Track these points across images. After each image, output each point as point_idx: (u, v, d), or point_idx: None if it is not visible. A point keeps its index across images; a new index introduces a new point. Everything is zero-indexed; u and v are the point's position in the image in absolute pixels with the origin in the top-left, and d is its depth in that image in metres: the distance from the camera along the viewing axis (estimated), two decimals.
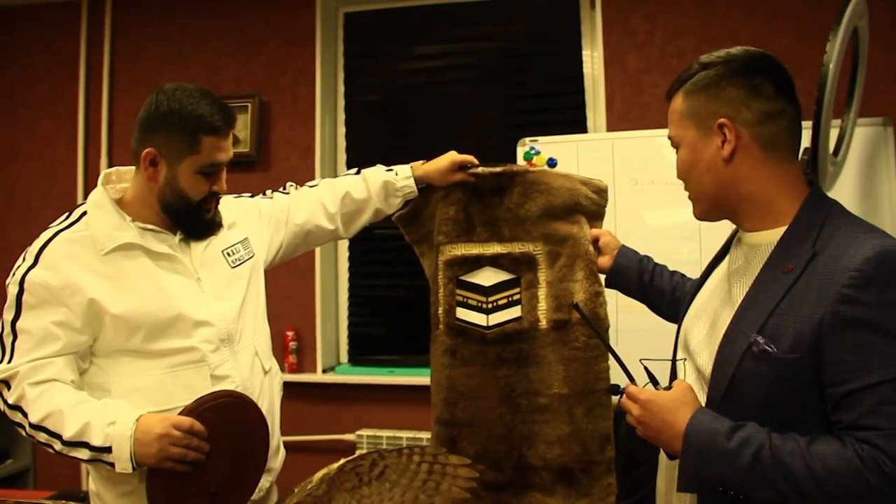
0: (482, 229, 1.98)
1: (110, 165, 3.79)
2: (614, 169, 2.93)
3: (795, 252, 1.27)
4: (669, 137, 1.44)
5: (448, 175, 1.99)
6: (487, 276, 1.98)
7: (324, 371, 3.60)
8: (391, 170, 2.07)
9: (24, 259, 1.66)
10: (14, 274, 1.65)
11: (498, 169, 1.97)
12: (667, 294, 1.85)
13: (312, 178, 3.54)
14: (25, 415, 1.59)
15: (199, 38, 3.78)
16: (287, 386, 3.59)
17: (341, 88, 3.76)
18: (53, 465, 3.84)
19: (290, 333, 3.58)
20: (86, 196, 3.79)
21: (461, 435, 1.96)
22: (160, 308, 1.68)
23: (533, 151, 3.04)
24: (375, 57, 3.75)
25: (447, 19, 3.64)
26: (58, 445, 1.57)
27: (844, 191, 2.60)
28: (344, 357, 3.76)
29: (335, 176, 3.69)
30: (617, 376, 1.51)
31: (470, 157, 1.98)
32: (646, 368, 1.43)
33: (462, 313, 1.98)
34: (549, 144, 3.02)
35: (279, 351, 3.58)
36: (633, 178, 2.91)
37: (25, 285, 1.63)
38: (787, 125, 1.34)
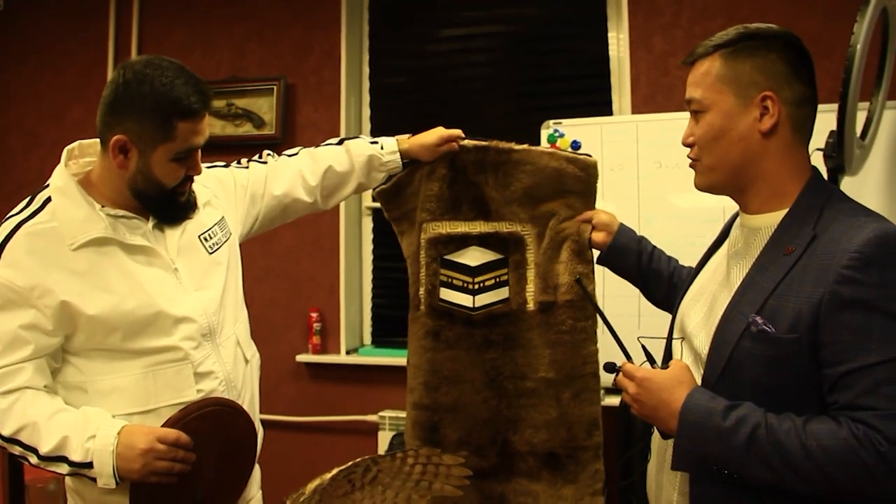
0: (468, 207, 1.92)
1: None
2: (638, 151, 2.91)
3: (796, 234, 1.28)
4: (691, 99, 1.40)
5: (434, 150, 1.92)
6: (474, 256, 1.92)
7: (347, 352, 3.63)
8: (376, 142, 1.98)
9: None
10: None
11: (483, 143, 1.92)
12: (664, 278, 1.83)
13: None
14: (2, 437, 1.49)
15: (225, 22, 3.80)
16: (310, 367, 3.67)
17: (366, 70, 3.76)
18: None
19: (314, 315, 3.61)
20: None
21: (443, 420, 1.91)
22: (138, 306, 1.56)
23: (557, 134, 3.03)
24: (400, 39, 3.74)
25: (472, 1, 3.62)
26: (34, 459, 1.48)
27: (872, 174, 2.57)
28: (367, 339, 3.78)
29: None
30: (612, 354, 1.49)
31: (457, 132, 1.92)
32: (643, 347, 1.42)
33: (446, 294, 1.92)
34: (573, 127, 3.02)
35: (303, 331, 3.62)
36: (658, 161, 2.89)
37: None
38: (812, 112, 1.36)
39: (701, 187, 1.44)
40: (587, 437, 1.86)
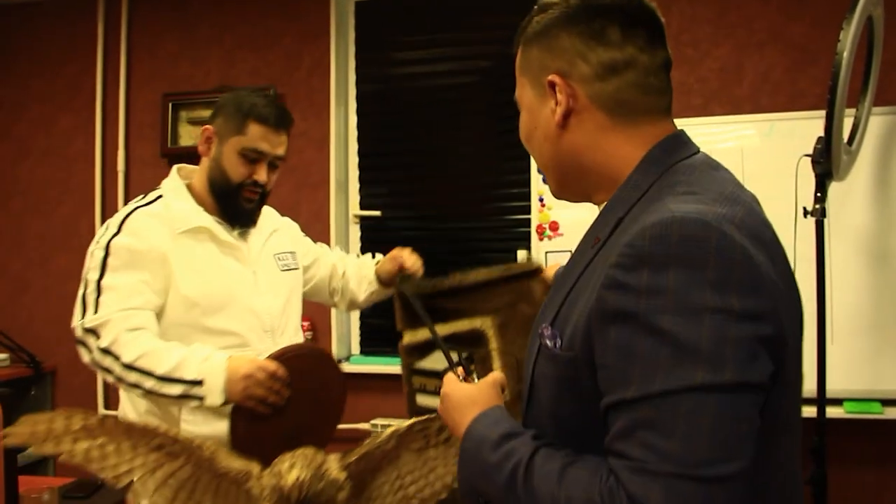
0: (426, 314, 1.93)
1: (127, 159, 3.85)
2: None
3: (609, 221, 0.99)
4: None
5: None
6: (439, 360, 1.89)
7: (339, 361, 3.62)
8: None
9: (107, 228, 1.79)
10: (98, 241, 1.77)
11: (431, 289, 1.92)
12: None
13: (327, 170, 3.57)
14: (117, 357, 1.66)
15: (214, 32, 3.80)
16: None
17: (353, 78, 3.77)
18: None
19: (305, 324, 3.60)
20: (104, 190, 3.84)
21: None
22: (219, 290, 1.82)
23: None
24: (386, 47, 3.75)
25: (459, 9, 3.63)
26: (149, 383, 1.65)
27: (859, 179, 2.59)
28: (355, 348, 3.78)
29: (346, 165, 3.70)
30: None
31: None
32: (454, 356, 1.28)
33: (422, 399, 1.93)
34: None
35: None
36: None
37: (111, 249, 1.74)
38: (636, 79, 1.02)
39: (555, 196, 1.18)
40: None
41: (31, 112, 4.02)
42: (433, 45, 3.69)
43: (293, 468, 1.38)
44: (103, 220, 3.84)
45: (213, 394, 1.64)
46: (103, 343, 1.67)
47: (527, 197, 3.11)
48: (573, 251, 1.10)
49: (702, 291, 0.82)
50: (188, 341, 1.75)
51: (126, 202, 3.81)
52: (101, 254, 1.75)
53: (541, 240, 3.02)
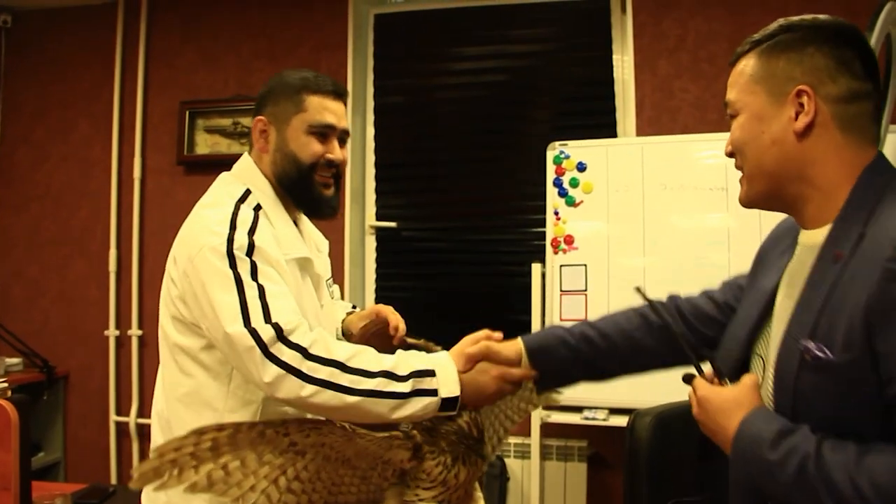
0: None
1: (143, 167, 3.87)
2: (644, 173, 2.93)
3: (845, 238, 1.07)
4: (727, 102, 1.25)
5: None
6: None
7: None
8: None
9: (233, 228, 1.48)
10: (228, 242, 1.47)
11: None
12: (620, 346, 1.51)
13: (343, 180, 3.57)
14: (333, 362, 1.38)
15: (232, 41, 3.82)
16: None
17: (370, 90, 3.78)
18: (84, 459, 3.91)
19: None
20: (119, 196, 3.85)
21: None
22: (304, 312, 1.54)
23: (563, 156, 3.04)
24: (405, 59, 3.76)
25: (477, 22, 3.64)
26: (367, 384, 1.37)
27: None
28: None
29: (363, 176, 3.71)
30: None
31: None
32: (710, 361, 1.26)
33: None
34: (578, 149, 3.03)
35: None
36: (663, 183, 2.90)
37: (254, 252, 1.47)
38: (870, 110, 1.16)
39: (742, 201, 1.25)
40: None
41: (50, 118, 4.05)
42: (451, 57, 3.71)
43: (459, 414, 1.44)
44: (119, 227, 3.90)
45: (449, 383, 1.40)
46: (305, 342, 1.38)
47: (542, 210, 3.11)
48: (772, 275, 1.25)
49: None
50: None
51: (141, 210, 3.89)
52: (248, 265, 1.44)
53: (555, 253, 3.02)
